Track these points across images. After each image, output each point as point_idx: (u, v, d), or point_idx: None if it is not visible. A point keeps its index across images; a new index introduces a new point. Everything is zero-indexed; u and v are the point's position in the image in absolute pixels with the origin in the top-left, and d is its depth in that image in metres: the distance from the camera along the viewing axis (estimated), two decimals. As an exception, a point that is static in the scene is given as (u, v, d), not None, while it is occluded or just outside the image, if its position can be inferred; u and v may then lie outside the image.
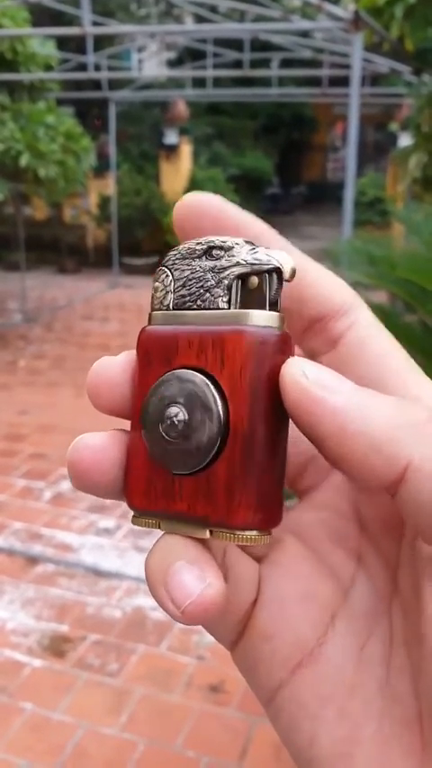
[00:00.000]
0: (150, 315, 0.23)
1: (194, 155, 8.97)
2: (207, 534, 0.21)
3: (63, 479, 2.93)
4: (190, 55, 9.12)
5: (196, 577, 0.20)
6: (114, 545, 2.44)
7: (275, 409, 0.21)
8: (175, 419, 0.21)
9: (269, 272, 0.21)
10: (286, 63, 7.21)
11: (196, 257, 0.22)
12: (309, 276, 0.23)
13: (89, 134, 5.63)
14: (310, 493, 0.25)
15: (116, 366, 0.23)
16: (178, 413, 0.21)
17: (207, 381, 0.21)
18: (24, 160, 4.84)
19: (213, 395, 0.21)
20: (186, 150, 8.59)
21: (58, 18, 6.73)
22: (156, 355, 0.22)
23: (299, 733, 0.22)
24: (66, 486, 2.87)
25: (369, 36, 3.41)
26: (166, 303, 0.23)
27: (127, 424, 0.23)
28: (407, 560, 0.22)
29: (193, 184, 8.42)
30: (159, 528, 0.22)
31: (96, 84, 7.21)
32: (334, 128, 12.64)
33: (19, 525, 2.56)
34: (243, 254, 0.22)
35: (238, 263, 0.22)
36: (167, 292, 0.23)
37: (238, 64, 6.42)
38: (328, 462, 0.20)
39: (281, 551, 0.24)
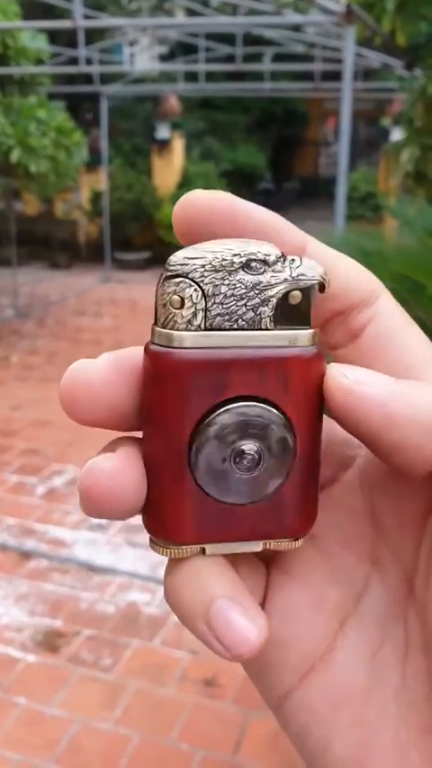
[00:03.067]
0: (172, 334, 0.20)
1: (187, 149, 8.94)
2: (260, 547, 0.22)
3: (56, 475, 2.92)
4: (182, 49, 9.08)
5: (246, 618, 0.20)
6: (108, 540, 2.44)
7: (321, 421, 0.21)
8: (249, 454, 0.20)
9: (312, 286, 0.21)
10: (279, 58, 7.18)
11: (233, 270, 0.20)
12: (332, 270, 0.22)
13: (81, 129, 5.60)
14: (321, 493, 0.24)
15: (97, 371, 0.21)
16: (252, 447, 0.20)
17: (278, 412, 0.20)
18: (15, 155, 4.81)
19: (288, 425, 0.20)
20: (178, 145, 8.56)
21: (48, 11, 6.69)
22: (202, 382, 0.20)
23: (311, 738, 0.22)
24: (59, 481, 2.86)
25: (361, 30, 3.41)
26: (196, 323, 0.20)
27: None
28: (426, 563, 0.21)
29: (186, 179, 8.40)
30: (203, 553, 0.21)
31: (88, 79, 7.17)
32: (326, 123, 12.63)
33: (12, 521, 2.56)
34: (288, 268, 0.20)
35: (286, 280, 0.20)
36: (198, 310, 0.20)
37: (230, 58, 6.40)
38: (380, 458, 0.20)
39: (290, 556, 0.23)
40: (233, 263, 0.20)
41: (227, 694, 1.74)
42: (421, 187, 3.06)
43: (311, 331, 0.21)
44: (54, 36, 6.22)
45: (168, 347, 0.20)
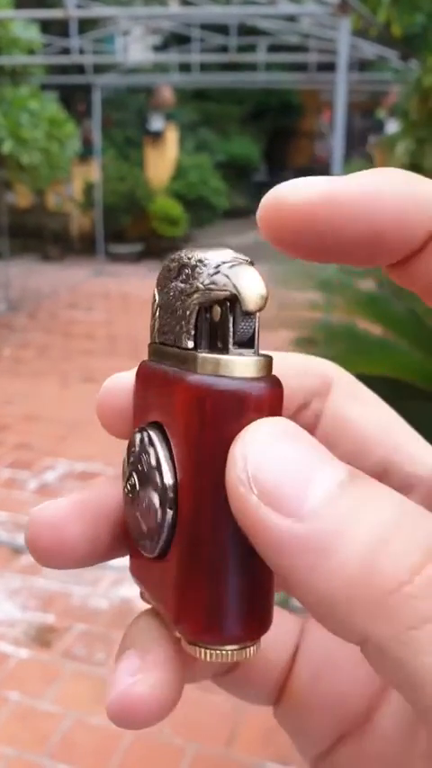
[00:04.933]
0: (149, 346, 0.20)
1: (180, 141, 8.90)
2: (176, 633, 0.17)
3: (48, 469, 2.91)
4: (175, 40, 9.02)
5: (129, 671, 0.17)
6: (101, 534, 2.43)
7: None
8: (130, 486, 0.18)
9: (231, 300, 0.17)
10: (273, 48, 7.14)
11: (172, 277, 0.18)
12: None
13: (73, 120, 5.56)
14: None
15: (128, 384, 0.19)
16: (131, 479, 0.18)
17: (153, 437, 0.17)
18: (7, 147, 4.77)
19: (158, 460, 0.16)
20: (172, 136, 8.52)
21: (40, 0, 6.62)
22: (141, 398, 0.19)
23: None
24: (51, 475, 2.85)
25: (356, 21, 3.39)
26: (153, 334, 0.19)
27: None
28: None
29: (179, 171, 8.36)
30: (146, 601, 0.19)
31: (80, 69, 7.11)
32: (321, 114, 12.59)
33: (4, 516, 2.54)
34: (204, 275, 0.17)
35: (197, 289, 0.17)
36: (154, 321, 0.19)
37: (224, 49, 6.36)
38: None
39: None
40: (170, 268, 0.18)
41: (220, 688, 1.74)
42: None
43: (212, 356, 0.16)
44: (46, 25, 6.16)
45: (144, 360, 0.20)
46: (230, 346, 0.16)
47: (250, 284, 0.16)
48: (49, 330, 5.16)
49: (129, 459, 0.18)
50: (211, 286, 0.17)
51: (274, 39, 6.33)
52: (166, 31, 8.76)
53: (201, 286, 0.17)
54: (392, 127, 5.05)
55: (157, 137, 8.34)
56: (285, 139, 12.98)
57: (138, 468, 0.17)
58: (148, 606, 0.19)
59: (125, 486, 0.18)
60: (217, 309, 0.17)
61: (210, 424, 0.16)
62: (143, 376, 0.19)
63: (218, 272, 0.17)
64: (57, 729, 1.62)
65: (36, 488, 2.75)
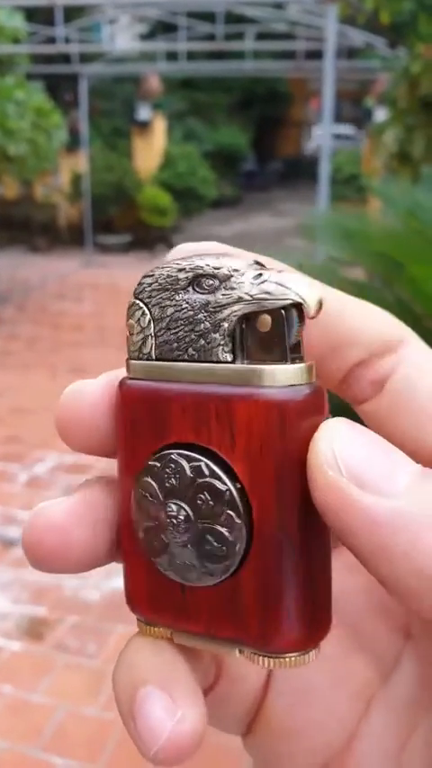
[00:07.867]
0: (127, 363, 0.18)
1: (168, 130, 8.84)
2: (236, 654, 0.17)
3: (38, 462, 2.90)
4: (162, 28, 8.94)
5: (165, 710, 0.16)
6: (92, 526, 2.42)
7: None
8: (175, 519, 0.17)
9: (287, 308, 0.16)
10: (260, 36, 7.09)
11: (180, 289, 0.17)
12: (346, 317, 0.18)
13: (60, 110, 5.51)
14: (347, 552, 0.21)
15: (91, 396, 0.18)
16: (179, 511, 0.17)
17: (214, 467, 0.16)
18: (-7, 137, 4.72)
19: (226, 485, 0.16)
20: (160, 126, 8.46)
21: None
22: (142, 421, 0.17)
23: None
24: (41, 468, 2.84)
25: (344, 8, 3.37)
26: (146, 351, 0.18)
27: None
28: None
29: (168, 161, 8.31)
30: (172, 639, 0.18)
31: (66, 59, 7.04)
32: (309, 103, 12.55)
33: (-6, 508, 2.53)
34: (246, 284, 0.16)
35: (240, 299, 0.16)
36: (147, 336, 0.18)
37: (211, 37, 6.31)
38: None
39: None
40: (178, 279, 0.17)
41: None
42: (405, 167, 3.05)
43: (280, 367, 0.16)
44: (31, 14, 6.08)
45: (125, 378, 0.18)
46: (288, 355, 0.16)
47: (311, 291, 0.16)
48: (38, 322, 5.12)
49: (161, 490, 0.17)
50: (264, 295, 0.16)
51: (262, 26, 6.29)
52: (153, 19, 8.68)
53: (246, 296, 0.16)
54: (381, 115, 5.03)
55: (145, 126, 8.28)
56: (273, 128, 12.93)
57: (189, 497, 0.17)
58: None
59: (167, 520, 0.17)
60: (266, 319, 0.17)
61: (289, 433, 0.16)
62: (139, 397, 0.17)
63: (265, 281, 0.16)
64: (49, 721, 1.62)
65: (26, 481, 2.74)
